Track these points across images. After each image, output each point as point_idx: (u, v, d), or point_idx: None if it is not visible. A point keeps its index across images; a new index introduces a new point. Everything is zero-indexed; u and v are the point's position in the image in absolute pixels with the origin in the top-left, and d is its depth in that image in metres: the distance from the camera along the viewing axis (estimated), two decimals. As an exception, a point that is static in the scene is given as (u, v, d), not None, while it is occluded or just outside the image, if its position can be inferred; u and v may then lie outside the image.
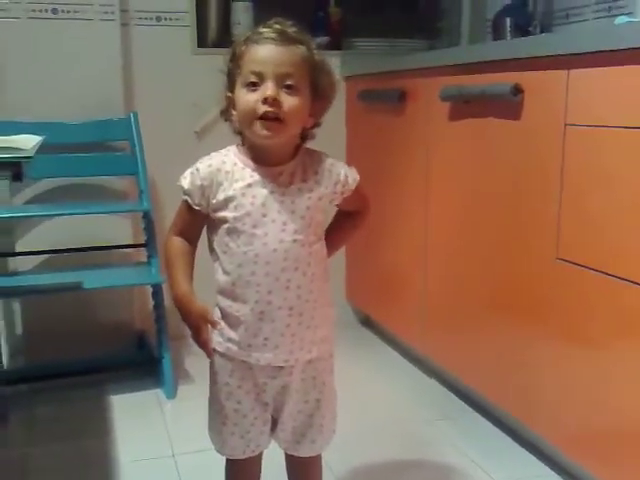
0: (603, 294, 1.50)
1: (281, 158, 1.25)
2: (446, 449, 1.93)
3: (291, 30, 1.21)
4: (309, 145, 1.30)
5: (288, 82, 1.17)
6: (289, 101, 1.17)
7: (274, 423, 1.37)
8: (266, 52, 1.18)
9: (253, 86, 1.17)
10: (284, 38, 1.18)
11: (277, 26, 1.20)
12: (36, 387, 2.30)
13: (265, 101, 1.16)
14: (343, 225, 1.40)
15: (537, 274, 1.71)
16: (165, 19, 2.62)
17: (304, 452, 1.38)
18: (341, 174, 1.28)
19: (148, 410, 2.16)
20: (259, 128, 1.18)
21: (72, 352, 2.35)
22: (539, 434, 1.77)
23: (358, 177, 1.31)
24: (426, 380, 2.40)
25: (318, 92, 1.23)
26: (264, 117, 1.17)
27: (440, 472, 1.82)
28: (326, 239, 1.32)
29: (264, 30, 1.20)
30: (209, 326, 1.24)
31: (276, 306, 1.24)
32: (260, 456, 1.41)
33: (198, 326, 1.23)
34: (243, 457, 1.37)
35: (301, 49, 1.19)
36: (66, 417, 2.13)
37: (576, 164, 1.57)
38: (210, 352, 1.27)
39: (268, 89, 1.16)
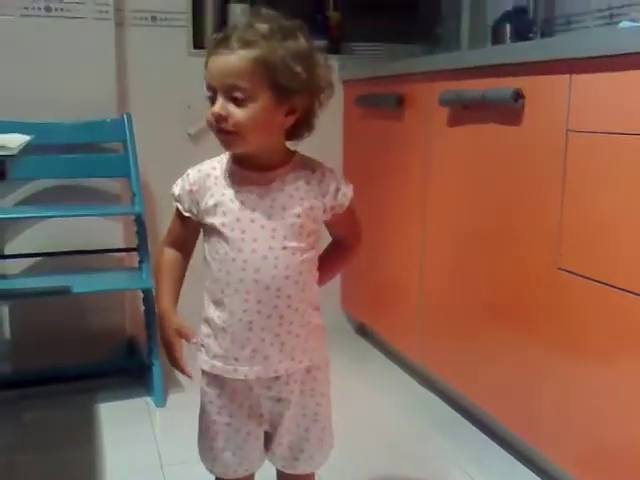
0: (605, 306, 1.46)
1: (271, 164, 1.21)
2: (441, 462, 1.89)
3: (249, 32, 1.13)
4: (303, 145, 1.26)
5: (235, 94, 1.12)
6: (237, 114, 1.12)
7: (268, 440, 1.32)
8: (213, 64, 1.14)
9: (211, 98, 1.15)
10: (235, 45, 1.12)
11: (232, 31, 1.14)
12: (24, 393, 2.25)
13: (213, 117, 1.14)
14: (332, 257, 1.35)
15: (537, 284, 1.67)
16: (161, 19, 2.59)
17: (302, 469, 1.33)
18: (331, 186, 1.23)
19: (137, 418, 2.12)
20: (219, 142, 1.17)
21: (61, 358, 2.31)
22: (537, 448, 1.73)
23: (351, 194, 1.26)
24: (422, 391, 2.36)
25: (286, 90, 1.14)
26: (218, 132, 1.15)
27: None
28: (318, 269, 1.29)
29: (215, 37, 1.15)
30: (187, 346, 1.24)
31: (265, 315, 1.20)
32: (252, 478, 1.36)
33: (170, 342, 1.24)
34: (234, 477, 1.31)
35: (253, 52, 1.11)
36: (53, 424, 2.08)
37: (578, 171, 1.53)
38: (183, 369, 1.25)
39: (215, 105, 1.13)
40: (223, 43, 1.13)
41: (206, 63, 1.16)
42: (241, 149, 1.18)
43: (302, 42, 1.16)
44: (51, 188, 2.38)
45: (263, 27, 1.14)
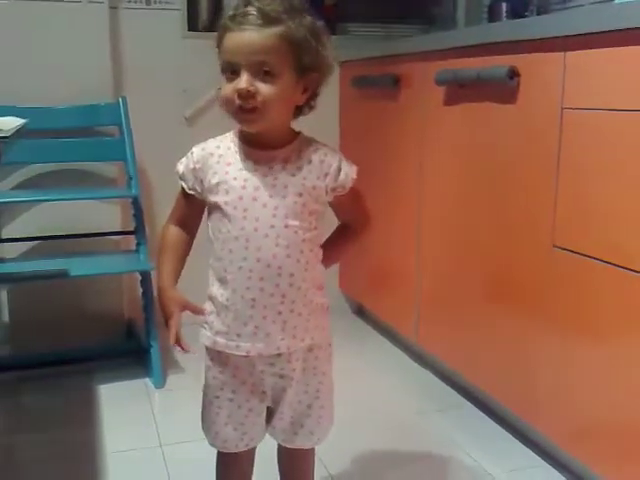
0: (601, 283, 1.46)
1: (276, 142, 1.21)
2: (439, 441, 1.90)
3: (269, 8, 1.13)
4: (300, 127, 1.26)
5: (264, 69, 1.12)
6: (265, 90, 1.12)
7: (270, 415, 1.33)
8: (238, 40, 1.12)
9: (231, 74, 1.14)
10: (259, 21, 1.12)
11: (251, 8, 1.13)
12: (23, 375, 2.26)
13: (239, 94, 1.13)
14: (339, 241, 1.35)
15: (533, 262, 1.67)
16: (155, 2, 2.58)
17: (301, 443, 1.34)
18: (332, 167, 1.23)
19: (136, 399, 2.13)
20: (238, 119, 1.17)
21: (59, 340, 2.32)
22: (534, 426, 1.74)
23: (353, 175, 1.25)
24: (420, 371, 2.37)
25: (306, 68, 1.17)
26: (241, 109, 1.14)
27: (433, 464, 1.79)
28: (323, 252, 1.28)
29: (238, 13, 1.14)
30: (185, 324, 1.24)
31: (268, 293, 1.20)
32: (253, 452, 1.38)
33: (170, 314, 1.23)
34: (236, 451, 1.33)
35: (278, 29, 1.12)
36: (53, 406, 2.09)
37: (573, 149, 1.53)
38: (183, 345, 1.24)
39: (241, 82, 1.12)
40: (241, 19, 1.12)
41: (220, 40, 1.15)
42: (261, 127, 1.17)
43: (313, 20, 1.18)
44: (48, 172, 2.38)
45: (277, 3, 1.14)
